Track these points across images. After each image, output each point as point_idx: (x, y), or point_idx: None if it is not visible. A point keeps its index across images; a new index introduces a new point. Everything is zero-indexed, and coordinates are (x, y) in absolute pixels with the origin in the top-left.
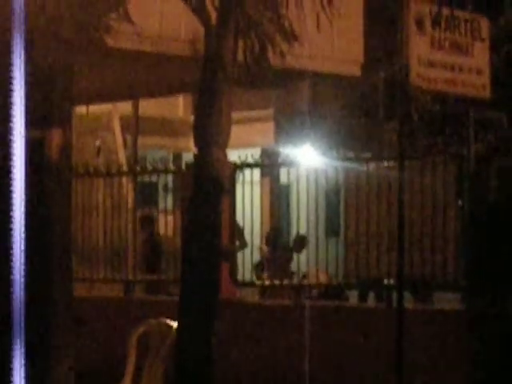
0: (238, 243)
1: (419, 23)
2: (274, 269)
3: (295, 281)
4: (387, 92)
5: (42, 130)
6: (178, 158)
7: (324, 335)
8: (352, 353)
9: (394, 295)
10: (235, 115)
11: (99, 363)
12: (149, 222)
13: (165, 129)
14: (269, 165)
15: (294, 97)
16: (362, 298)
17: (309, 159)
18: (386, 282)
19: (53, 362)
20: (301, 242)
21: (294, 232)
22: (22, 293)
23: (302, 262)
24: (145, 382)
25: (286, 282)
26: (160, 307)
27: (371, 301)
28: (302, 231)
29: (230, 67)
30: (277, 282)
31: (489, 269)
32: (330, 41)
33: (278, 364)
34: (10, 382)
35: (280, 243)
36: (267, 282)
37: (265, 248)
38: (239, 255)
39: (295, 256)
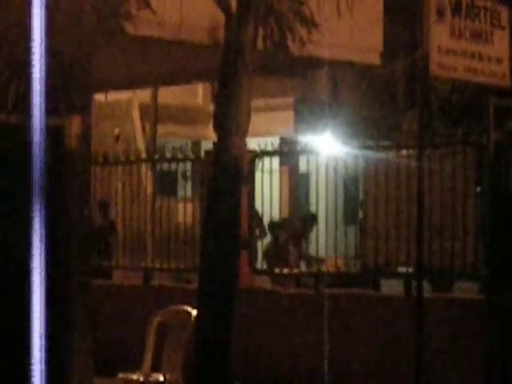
0: (257, 232)
1: (439, 12)
2: (273, 259)
3: (313, 268)
4: (407, 81)
5: (62, 118)
6: (196, 146)
7: (341, 323)
8: (371, 340)
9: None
10: (255, 103)
11: (118, 350)
12: (104, 207)
13: (184, 117)
14: (288, 153)
15: (313, 85)
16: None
17: (328, 148)
18: (404, 270)
19: (71, 352)
20: (309, 220)
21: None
22: (42, 282)
23: (320, 248)
24: (163, 369)
25: (305, 270)
26: (179, 294)
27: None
28: (321, 219)
29: (250, 55)
30: (296, 270)
31: (509, 257)
32: (350, 29)
33: (295, 352)
34: (30, 366)
35: (281, 234)
36: (286, 271)
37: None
38: (258, 243)
39: (315, 247)
